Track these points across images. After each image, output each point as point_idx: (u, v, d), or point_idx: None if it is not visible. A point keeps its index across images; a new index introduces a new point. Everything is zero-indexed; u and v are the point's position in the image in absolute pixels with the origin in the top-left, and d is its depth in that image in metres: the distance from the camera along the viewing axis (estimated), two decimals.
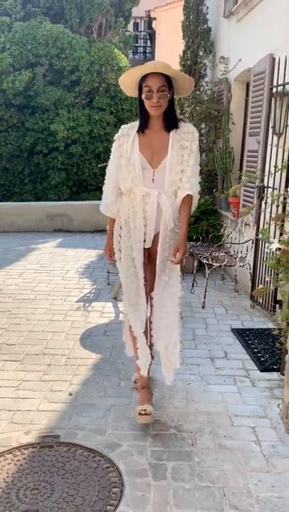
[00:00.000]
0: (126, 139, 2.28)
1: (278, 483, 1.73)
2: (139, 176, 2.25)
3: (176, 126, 2.26)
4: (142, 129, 2.27)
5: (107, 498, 1.65)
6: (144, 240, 2.32)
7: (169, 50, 11.24)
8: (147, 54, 14.58)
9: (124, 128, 2.33)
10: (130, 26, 12.80)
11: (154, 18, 12.24)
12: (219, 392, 2.50)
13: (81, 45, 9.54)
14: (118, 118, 9.98)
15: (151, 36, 13.80)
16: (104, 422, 2.17)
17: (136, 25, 14.34)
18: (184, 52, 5.88)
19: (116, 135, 2.33)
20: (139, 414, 2.08)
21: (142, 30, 14.65)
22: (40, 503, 1.61)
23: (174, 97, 2.27)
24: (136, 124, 2.31)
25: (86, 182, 10.03)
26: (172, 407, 2.33)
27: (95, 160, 9.69)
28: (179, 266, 2.38)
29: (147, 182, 2.27)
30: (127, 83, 2.28)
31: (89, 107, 9.79)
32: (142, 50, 14.80)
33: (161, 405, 2.34)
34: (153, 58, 13.02)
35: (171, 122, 2.25)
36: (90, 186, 10.07)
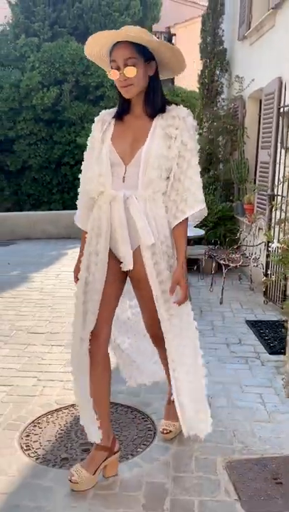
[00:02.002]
0: (99, 127, 1.82)
1: (276, 429, 2.21)
2: (106, 174, 1.74)
3: (163, 111, 1.76)
4: (119, 115, 1.80)
5: (144, 437, 2.15)
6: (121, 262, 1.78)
7: (189, 65, 11.76)
8: None
9: (102, 113, 1.88)
10: None
11: (174, 34, 12.80)
12: (233, 369, 2.98)
13: None
14: None
15: None
16: (139, 388, 2.66)
17: None
18: (202, 71, 6.40)
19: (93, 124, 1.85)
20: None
21: None
22: None
23: (166, 75, 1.87)
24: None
25: None
26: None
27: None
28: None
29: (116, 182, 1.75)
30: (96, 55, 1.78)
31: None
32: None
33: None
34: None
35: (153, 105, 1.74)
36: None
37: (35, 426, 2.26)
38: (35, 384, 2.73)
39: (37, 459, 2.00)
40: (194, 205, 1.78)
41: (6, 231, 7.85)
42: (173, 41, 13.11)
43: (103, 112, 1.88)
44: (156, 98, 1.75)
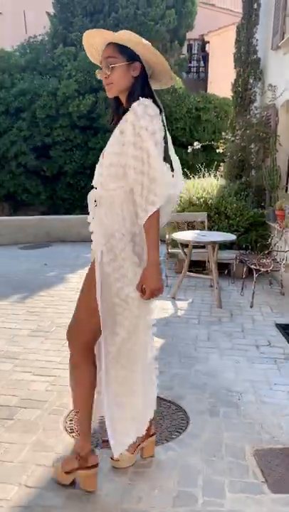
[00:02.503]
0: None
1: None
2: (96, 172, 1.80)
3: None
4: (112, 114, 1.85)
5: (177, 425, 2.33)
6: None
7: (223, 72, 11.92)
8: (200, 74, 15.33)
9: None
10: (184, 48, 13.61)
11: (208, 42, 12.96)
12: (262, 369, 3.11)
13: None
14: (172, 136, 10.74)
15: (205, 57, 14.54)
16: (172, 383, 2.85)
17: (190, 47, 15.14)
18: (236, 80, 6.55)
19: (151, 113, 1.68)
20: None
21: (196, 52, 15.44)
22: None
23: (164, 84, 1.85)
24: None
25: None
26: (223, 376, 2.97)
27: None
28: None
29: (96, 181, 1.80)
30: (96, 58, 1.85)
31: None
32: (195, 70, 15.56)
33: (216, 376, 2.98)
34: (206, 79, 13.73)
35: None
36: None
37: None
38: None
39: None
40: (155, 199, 1.63)
41: (41, 233, 8.18)
42: (206, 49, 13.28)
43: None
44: (133, 99, 1.70)
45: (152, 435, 2.05)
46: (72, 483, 1.88)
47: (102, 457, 2.04)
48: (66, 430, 2.28)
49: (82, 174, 10.63)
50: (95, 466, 1.85)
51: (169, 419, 2.40)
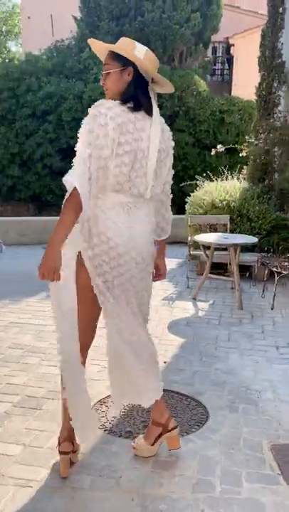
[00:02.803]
0: None
1: None
2: None
3: None
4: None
5: (197, 420, 2.43)
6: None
7: (247, 75, 11.92)
8: (225, 76, 15.35)
9: None
10: (209, 51, 13.67)
11: (232, 45, 12.99)
12: (281, 369, 3.17)
13: (164, 73, 10.52)
14: (196, 138, 10.84)
15: (229, 60, 14.56)
16: (192, 380, 2.94)
17: (214, 49, 15.19)
18: (260, 83, 6.58)
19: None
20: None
21: (220, 55, 15.47)
22: None
23: (167, 90, 1.96)
24: None
25: None
26: (243, 375, 3.05)
27: (174, 178, 10.56)
28: None
29: None
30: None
31: (170, 129, 10.75)
32: (219, 73, 15.60)
33: (235, 374, 3.06)
34: (230, 81, 13.75)
35: None
36: None
37: (101, 404, 2.59)
38: (99, 370, 3.06)
39: (105, 430, 2.32)
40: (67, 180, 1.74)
41: None
42: (231, 51, 13.30)
43: None
44: (134, 103, 1.82)
45: (172, 429, 2.11)
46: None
47: (124, 446, 2.16)
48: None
49: None
50: (65, 453, 1.97)
51: (190, 414, 2.49)
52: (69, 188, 1.73)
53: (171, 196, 2.14)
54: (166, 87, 1.96)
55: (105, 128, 1.73)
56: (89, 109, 1.78)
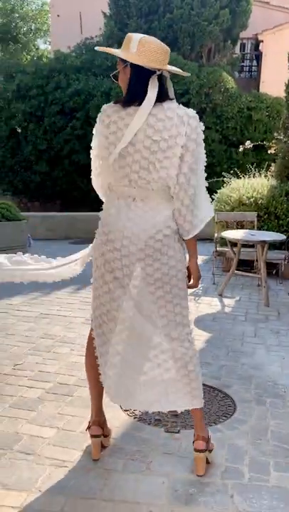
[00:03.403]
0: None
1: None
2: None
3: None
4: None
5: (225, 411, 2.48)
6: None
7: (276, 72, 11.79)
8: (253, 73, 15.21)
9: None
10: (237, 47, 13.57)
11: (261, 41, 12.86)
12: None
13: (192, 70, 10.52)
14: (223, 135, 10.79)
15: (258, 56, 14.42)
16: (219, 373, 2.99)
17: (242, 46, 15.06)
18: None
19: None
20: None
21: (249, 51, 15.34)
22: None
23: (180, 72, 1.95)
24: None
25: None
26: (269, 370, 3.07)
27: None
28: None
29: None
30: None
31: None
32: (247, 70, 15.47)
33: (262, 369, 3.09)
34: (259, 78, 13.62)
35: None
36: None
37: None
38: None
39: (135, 417, 2.39)
40: None
41: (92, 230, 8.44)
42: (260, 48, 13.17)
43: None
44: (126, 96, 1.87)
45: (196, 451, 1.97)
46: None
47: (154, 433, 2.22)
48: (121, 408, 2.48)
49: None
50: (96, 436, 2.04)
51: (217, 405, 2.54)
52: None
53: (192, 191, 1.87)
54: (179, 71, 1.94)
55: (96, 130, 1.94)
56: None
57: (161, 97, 1.83)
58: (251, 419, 2.39)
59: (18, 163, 11.56)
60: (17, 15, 24.16)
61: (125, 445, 2.12)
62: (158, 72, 1.82)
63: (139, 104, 1.80)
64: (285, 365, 3.15)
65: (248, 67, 15.49)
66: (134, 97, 1.83)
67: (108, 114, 1.87)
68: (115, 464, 2.00)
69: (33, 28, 25.38)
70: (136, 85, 1.83)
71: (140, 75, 1.83)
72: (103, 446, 2.11)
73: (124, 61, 1.84)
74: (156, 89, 1.80)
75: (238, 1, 11.78)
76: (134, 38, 1.82)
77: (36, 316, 4.03)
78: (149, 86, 1.80)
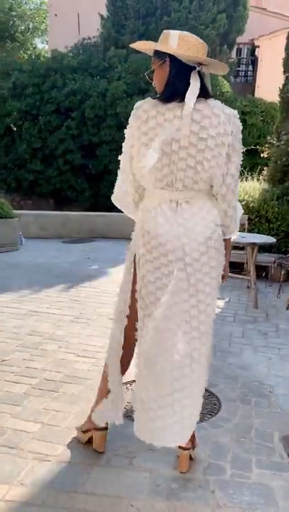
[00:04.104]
0: None
1: None
2: None
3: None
4: None
5: (210, 409, 2.49)
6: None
7: (271, 77, 11.87)
8: (248, 78, 15.31)
9: None
10: (233, 52, 13.66)
11: (258, 46, 12.96)
12: None
13: None
14: None
15: (253, 61, 14.52)
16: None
17: (239, 51, 15.17)
18: (284, 85, 6.59)
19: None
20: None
21: (244, 56, 15.44)
22: None
23: (219, 70, 1.87)
24: None
25: None
26: (256, 370, 3.09)
27: None
28: None
29: None
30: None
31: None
32: (243, 74, 15.57)
33: (249, 369, 3.11)
34: (254, 83, 13.71)
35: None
36: None
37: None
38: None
39: None
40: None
41: (84, 229, 8.50)
42: (256, 53, 13.27)
43: None
44: (165, 92, 1.79)
45: (180, 448, 1.97)
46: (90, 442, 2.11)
47: None
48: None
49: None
50: (104, 429, 2.05)
51: (203, 403, 2.55)
52: None
53: (237, 192, 1.90)
54: (219, 68, 1.85)
55: (132, 129, 1.80)
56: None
57: (205, 93, 1.78)
58: (236, 418, 2.41)
59: (12, 161, 11.54)
60: (15, 13, 24.12)
61: (109, 440, 2.13)
62: (198, 68, 1.76)
63: (181, 100, 1.74)
64: (271, 366, 3.17)
65: (243, 72, 15.60)
66: (175, 92, 1.76)
67: (145, 109, 1.77)
68: (99, 459, 2.00)
69: (30, 27, 25.36)
70: (177, 80, 1.76)
71: (181, 70, 1.76)
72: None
73: (161, 57, 1.78)
74: (199, 84, 1.74)
75: (236, 6, 11.87)
76: (173, 34, 1.77)
77: (25, 314, 4.02)
78: (191, 81, 1.74)
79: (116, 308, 2.01)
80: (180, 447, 1.96)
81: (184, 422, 1.84)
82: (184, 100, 1.72)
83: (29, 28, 25.29)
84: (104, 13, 12.28)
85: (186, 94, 1.72)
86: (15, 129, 11.45)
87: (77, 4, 15.93)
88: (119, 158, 1.90)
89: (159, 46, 1.78)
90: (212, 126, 1.74)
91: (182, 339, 1.81)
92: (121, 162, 1.90)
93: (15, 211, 7.61)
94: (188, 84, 1.74)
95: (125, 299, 1.92)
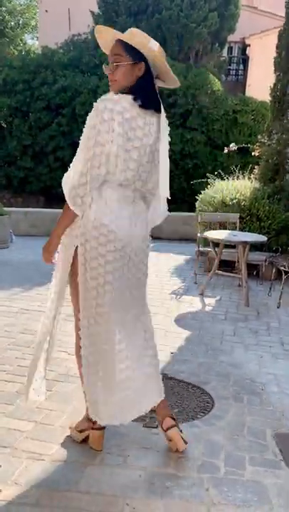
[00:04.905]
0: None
1: None
2: None
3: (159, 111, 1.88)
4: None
5: (202, 407, 2.50)
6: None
7: (262, 76, 11.91)
8: (239, 77, 15.36)
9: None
10: (224, 50, 13.69)
11: (248, 45, 13.00)
12: (286, 364, 3.23)
13: (179, 71, 10.57)
14: (208, 137, 10.88)
15: (244, 60, 14.57)
16: (198, 370, 3.01)
17: (230, 49, 15.20)
18: (275, 84, 6.62)
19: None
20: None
21: (236, 55, 15.48)
22: None
23: (171, 84, 1.91)
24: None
25: (174, 196, 10.96)
26: (247, 368, 3.11)
27: (184, 176, 10.64)
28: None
29: None
30: (106, 48, 1.89)
31: (182, 127, 10.78)
32: (234, 73, 15.61)
33: (240, 367, 3.13)
34: (245, 82, 13.76)
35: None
36: (177, 200, 11.02)
37: None
38: None
39: None
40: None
41: None
42: (247, 52, 13.31)
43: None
44: (143, 99, 1.78)
45: (168, 429, 2.05)
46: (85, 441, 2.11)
47: (132, 428, 2.24)
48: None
49: None
50: (102, 428, 2.05)
51: (195, 401, 2.57)
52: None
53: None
54: (170, 82, 1.90)
55: (109, 123, 1.71)
56: (95, 102, 1.75)
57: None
58: (228, 416, 2.42)
59: (2, 158, 11.47)
60: (4, 8, 23.86)
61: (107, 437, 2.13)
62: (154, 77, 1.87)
63: (154, 107, 1.83)
64: (262, 364, 3.20)
65: (234, 71, 15.64)
66: (155, 101, 1.83)
67: (125, 106, 1.74)
68: (92, 457, 2.00)
69: (20, 22, 25.13)
70: (148, 86, 1.81)
71: (151, 77, 1.83)
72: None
73: (134, 57, 1.76)
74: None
75: (227, 4, 11.89)
76: (148, 36, 1.79)
77: (16, 312, 4.00)
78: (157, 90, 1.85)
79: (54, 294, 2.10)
80: (167, 428, 2.02)
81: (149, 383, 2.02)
82: (156, 109, 1.84)
83: (19, 24, 25.06)
84: (96, 9, 12.22)
85: (161, 106, 1.85)
86: (5, 125, 11.37)
87: (68, 1, 15.82)
88: (81, 144, 1.78)
89: (140, 43, 1.75)
90: (163, 135, 1.88)
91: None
92: (89, 153, 1.74)
93: (5, 208, 7.56)
94: (156, 93, 1.85)
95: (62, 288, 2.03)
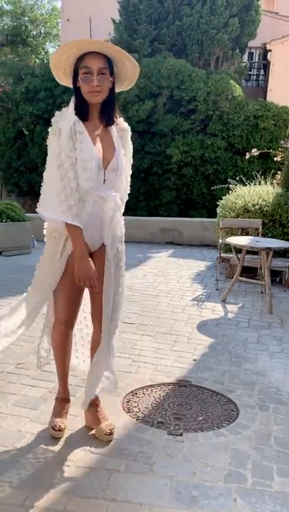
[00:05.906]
0: (69, 131, 1.97)
1: None
2: (94, 175, 1.98)
3: (114, 122, 2.07)
4: (82, 121, 1.99)
5: (228, 415, 2.47)
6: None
7: (283, 81, 11.86)
8: (260, 82, 15.27)
9: (67, 117, 2.00)
10: (245, 56, 13.63)
11: (270, 50, 12.93)
12: None
13: (199, 77, 10.58)
14: (229, 143, 10.83)
15: (265, 65, 14.49)
16: (222, 378, 2.98)
17: (250, 55, 15.14)
18: None
19: (55, 126, 2.04)
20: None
21: (256, 60, 15.41)
22: (184, 411, 2.48)
23: (116, 88, 2.05)
24: (70, 114, 1.99)
25: (194, 201, 10.98)
26: (272, 376, 3.06)
27: (204, 181, 10.60)
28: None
29: (99, 184, 2.02)
30: (60, 66, 2.02)
31: (202, 133, 10.76)
32: (255, 78, 15.53)
33: (265, 375, 3.08)
34: (266, 87, 13.68)
35: (110, 116, 2.04)
36: (197, 205, 11.01)
37: (133, 395, 2.66)
38: (130, 364, 3.14)
39: (137, 419, 2.39)
40: None
41: None
42: (268, 57, 13.24)
43: (61, 117, 2.05)
44: (112, 110, 2.05)
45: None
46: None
47: (157, 436, 2.22)
48: (124, 409, 2.48)
49: (136, 178, 10.85)
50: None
51: (220, 409, 2.54)
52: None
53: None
54: (128, 85, 2.13)
55: (58, 136, 1.99)
56: (129, 131, 2.16)
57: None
58: (254, 425, 2.38)
59: (23, 164, 11.60)
60: (27, 18, 24.32)
61: (127, 446, 2.12)
62: None
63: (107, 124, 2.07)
64: (288, 372, 3.14)
65: (255, 76, 15.56)
66: (111, 116, 2.07)
67: (73, 118, 1.99)
68: (118, 465, 1.99)
69: (42, 31, 25.54)
70: (112, 98, 2.06)
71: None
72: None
73: (112, 72, 1.99)
74: None
75: (247, 10, 11.85)
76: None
77: (38, 316, 4.02)
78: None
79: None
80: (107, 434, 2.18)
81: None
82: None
83: (41, 33, 25.48)
84: (117, 17, 12.33)
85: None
86: (27, 132, 11.52)
87: (89, 9, 16.01)
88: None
89: (130, 60, 2.02)
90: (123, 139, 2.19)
91: None
92: (64, 163, 2.05)
93: (27, 214, 7.64)
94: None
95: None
